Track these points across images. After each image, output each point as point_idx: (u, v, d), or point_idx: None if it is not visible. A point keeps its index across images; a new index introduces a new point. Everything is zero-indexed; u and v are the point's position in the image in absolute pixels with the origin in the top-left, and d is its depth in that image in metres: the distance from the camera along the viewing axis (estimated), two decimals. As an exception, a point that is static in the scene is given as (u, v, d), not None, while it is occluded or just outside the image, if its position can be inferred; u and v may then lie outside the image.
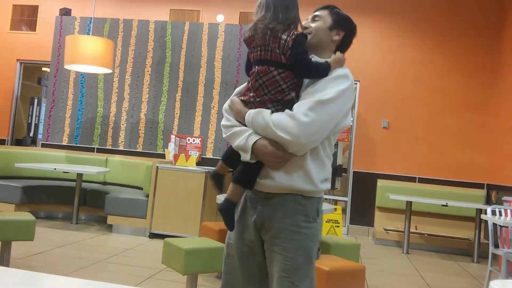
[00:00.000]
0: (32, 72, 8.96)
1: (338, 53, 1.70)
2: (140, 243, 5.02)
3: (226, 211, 1.65)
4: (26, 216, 3.68)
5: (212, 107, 6.44)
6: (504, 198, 5.02)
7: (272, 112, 1.56)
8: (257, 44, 1.60)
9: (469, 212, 6.11)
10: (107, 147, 6.63)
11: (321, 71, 1.59)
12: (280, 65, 1.57)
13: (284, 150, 1.55)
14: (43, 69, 9.04)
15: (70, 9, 7.06)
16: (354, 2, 7.04)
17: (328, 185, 1.68)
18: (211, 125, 6.42)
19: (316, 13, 1.75)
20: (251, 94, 1.61)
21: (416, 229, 6.36)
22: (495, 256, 4.46)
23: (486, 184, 6.48)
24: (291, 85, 1.58)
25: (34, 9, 7.80)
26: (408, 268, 5.05)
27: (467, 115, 6.67)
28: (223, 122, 1.70)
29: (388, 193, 6.24)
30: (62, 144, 6.67)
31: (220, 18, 7.36)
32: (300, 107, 1.53)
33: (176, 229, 5.16)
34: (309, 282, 1.59)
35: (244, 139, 1.58)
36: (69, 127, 6.71)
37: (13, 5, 7.84)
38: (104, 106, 6.68)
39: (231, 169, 1.71)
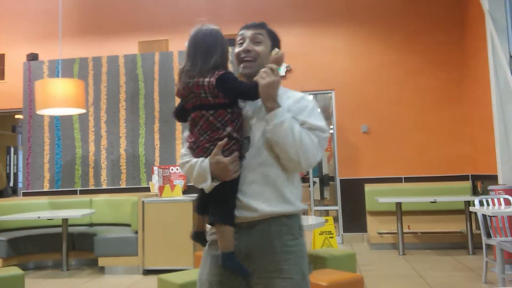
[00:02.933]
0: (4, 121, 8.83)
1: (276, 50, 1.67)
2: (135, 281, 4.92)
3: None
4: (13, 271, 3.58)
5: (191, 134, 6.41)
6: (490, 187, 5.07)
7: (209, 151, 1.57)
8: (186, 94, 1.63)
9: (458, 205, 6.16)
10: (90, 188, 6.52)
11: (252, 93, 1.58)
12: (210, 107, 1.59)
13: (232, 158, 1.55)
14: (16, 116, 8.93)
15: (37, 54, 7.01)
16: (320, 13, 7.16)
17: (304, 205, 1.69)
18: (193, 152, 6.38)
19: (257, 33, 1.70)
20: (191, 140, 1.64)
21: (409, 229, 6.37)
22: (489, 246, 4.49)
23: (471, 175, 6.56)
24: (225, 121, 1.58)
25: (0, 58, 7.71)
26: (407, 269, 5.04)
27: (444, 110, 6.78)
28: (181, 160, 1.69)
29: (377, 196, 6.26)
30: (44, 190, 6.54)
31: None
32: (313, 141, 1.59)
33: (169, 263, 5.07)
34: None
35: (198, 166, 1.57)
36: (49, 172, 6.60)
37: (-21, 56, 7.75)
38: (82, 146, 6.59)
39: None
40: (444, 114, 6.77)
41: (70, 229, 5.78)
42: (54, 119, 6.65)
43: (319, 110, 1.67)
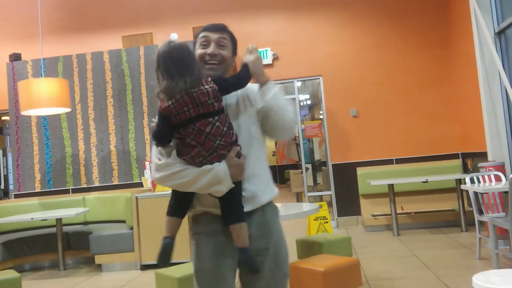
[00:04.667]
0: (-9, 123, 8.72)
1: (250, 45, 1.76)
2: (133, 277, 4.92)
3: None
4: (9, 274, 3.56)
5: (181, 126, 6.38)
6: (480, 164, 5.12)
7: (223, 156, 1.64)
8: (182, 106, 1.60)
9: (449, 184, 6.22)
10: (82, 186, 6.49)
11: (245, 75, 1.71)
12: (214, 113, 1.61)
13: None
14: (3, 118, 8.81)
15: (20, 54, 6.90)
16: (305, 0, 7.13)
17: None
18: (184, 144, 6.36)
19: (221, 37, 1.75)
20: (197, 150, 1.61)
21: (402, 209, 6.44)
22: (482, 223, 4.55)
23: (461, 153, 6.62)
24: (228, 124, 1.65)
25: (-18, 60, 7.57)
26: (402, 249, 5.10)
27: (431, 90, 6.81)
28: (169, 169, 1.64)
29: (369, 179, 6.30)
30: (36, 191, 6.50)
31: (174, 36, 7.26)
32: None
33: (166, 256, 5.06)
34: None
35: (213, 172, 1.60)
36: (40, 173, 6.54)
37: (-40, 59, 7.60)
38: (72, 145, 6.54)
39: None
40: (431, 94, 6.80)
41: (65, 228, 5.76)
42: (42, 119, 6.58)
43: None
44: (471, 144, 6.23)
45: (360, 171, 6.74)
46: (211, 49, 1.72)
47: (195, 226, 1.75)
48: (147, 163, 5.91)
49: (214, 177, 1.59)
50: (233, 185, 1.62)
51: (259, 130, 1.76)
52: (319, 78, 7.11)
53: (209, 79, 1.64)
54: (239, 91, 1.74)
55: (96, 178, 6.48)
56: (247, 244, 1.65)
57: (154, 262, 5.02)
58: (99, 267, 5.39)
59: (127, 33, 7.34)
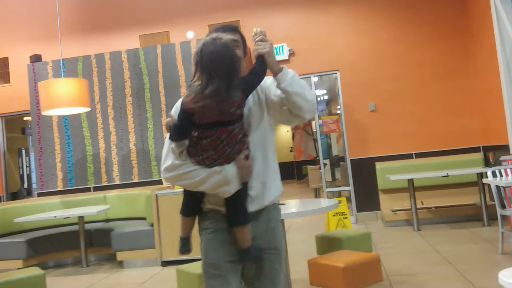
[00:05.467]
0: (14, 124, 8.91)
1: (257, 29, 1.73)
2: (154, 273, 4.99)
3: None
4: (34, 271, 3.64)
5: (199, 124, 6.41)
6: (502, 157, 5.04)
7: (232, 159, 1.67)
8: (207, 111, 1.57)
9: (470, 178, 6.13)
10: (103, 184, 6.59)
11: (261, 76, 1.70)
12: (234, 121, 1.61)
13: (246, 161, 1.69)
14: (25, 118, 9.00)
15: (40, 55, 7.02)
16: (318, -7, 7.08)
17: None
18: (202, 142, 6.40)
19: (234, 39, 1.77)
20: (210, 153, 1.62)
21: (422, 204, 6.37)
22: (504, 217, 4.47)
23: (482, 146, 6.51)
24: (244, 131, 1.67)
25: (4, 61, 7.75)
26: (422, 245, 5.05)
27: (450, 82, 6.70)
28: (183, 169, 1.67)
29: (388, 174, 6.25)
30: (58, 190, 6.62)
31: (190, 34, 7.36)
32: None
33: (186, 253, 5.11)
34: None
35: (222, 174, 1.63)
36: (62, 172, 6.67)
37: (-17, 61, 7.79)
38: (92, 144, 6.65)
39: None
40: (451, 87, 6.69)
41: (87, 226, 5.86)
42: (63, 119, 6.69)
43: None
44: (493, 137, 6.12)
45: (379, 166, 6.68)
46: None
47: (203, 222, 1.80)
48: (166, 160, 5.96)
49: (223, 178, 1.62)
50: (241, 187, 1.65)
51: (268, 127, 1.80)
52: (336, 73, 7.07)
53: (238, 93, 1.61)
54: None
55: (116, 176, 6.58)
56: (249, 243, 1.71)
57: (175, 258, 5.10)
58: (120, 264, 5.48)
59: (144, 32, 7.41)
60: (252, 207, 1.72)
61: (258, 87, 1.75)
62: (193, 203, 1.77)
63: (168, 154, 1.71)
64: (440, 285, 3.62)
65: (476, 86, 6.55)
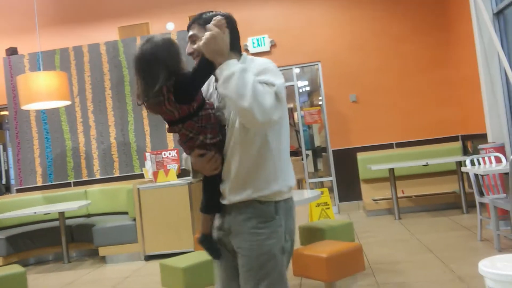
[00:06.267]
0: (-10, 119, 8.71)
1: (216, 18, 1.57)
2: (137, 268, 4.96)
3: (205, 244, 1.78)
4: (15, 269, 3.59)
5: (180, 117, 6.36)
6: (480, 146, 5.13)
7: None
8: (152, 110, 1.64)
9: (450, 166, 6.24)
10: (83, 179, 6.50)
11: (202, 71, 1.58)
12: (180, 120, 1.62)
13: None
14: (2, 113, 8.79)
15: (16, 48, 6.86)
16: (298, -16, 7.05)
17: (282, 187, 1.70)
18: (183, 134, 6.35)
19: (190, 32, 1.70)
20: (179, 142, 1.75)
21: (403, 193, 6.46)
22: (482, 205, 4.57)
23: (461, 135, 6.62)
24: (196, 131, 1.62)
25: (-22, 55, 7.53)
26: (403, 233, 5.13)
27: (430, 74, 6.78)
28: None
29: (369, 164, 6.31)
30: (37, 185, 6.51)
31: (170, 26, 7.27)
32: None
33: (170, 247, 5.11)
34: (276, 277, 1.64)
35: (184, 160, 1.83)
36: (41, 167, 6.55)
37: (-44, 54, 7.56)
38: (72, 138, 6.54)
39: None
40: (430, 78, 6.78)
41: (68, 221, 5.78)
42: (41, 113, 6.56)
43: (280, 72, 1.62)
44: (471, 126, 6.23)
45: (360, 156, 6.75)
46: (187, 50, 1.72)
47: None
48: (147, 154, 5.91)
49: (185, 165, 1.83)
50: (196, 179, 1.76)
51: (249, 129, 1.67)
52: (317, 64, 7.08)
53: (171, 87, 1.57)
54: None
55: (97, 170, 6.49)
56: (205, 231, 1.78)
57: (158, 252, 5.07)
58: (103, 259, 5.43)
59: (123, 23, 7.28)
60: (223, 201, 1.72)
61: None
62: (208, 201, 1.78)
63: None
64: (421, 272, 3.68)
65: (454, 77, 6.65)
